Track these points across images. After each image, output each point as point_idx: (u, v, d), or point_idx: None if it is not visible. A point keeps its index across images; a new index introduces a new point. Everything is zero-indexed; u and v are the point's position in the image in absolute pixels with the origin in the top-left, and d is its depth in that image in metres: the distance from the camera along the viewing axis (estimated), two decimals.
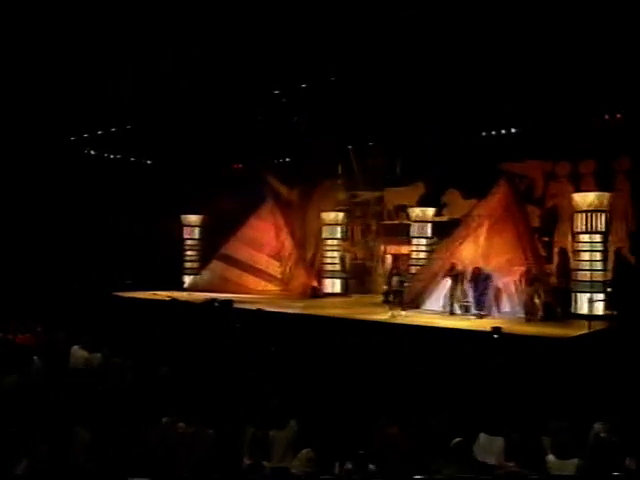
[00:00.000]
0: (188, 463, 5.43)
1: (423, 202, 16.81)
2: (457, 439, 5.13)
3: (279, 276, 18.66)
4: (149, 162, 18.90)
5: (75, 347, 10.07)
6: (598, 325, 11.51)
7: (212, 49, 12.10)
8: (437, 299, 14.15)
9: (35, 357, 9.01)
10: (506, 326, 10.71)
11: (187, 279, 19.53)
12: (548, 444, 5.28)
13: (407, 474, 4.70)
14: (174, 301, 14.37)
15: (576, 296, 12.96)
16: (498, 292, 13.24)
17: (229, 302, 14.01)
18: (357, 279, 18.67)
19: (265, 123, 15.31)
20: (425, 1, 9.72)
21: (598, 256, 13.00)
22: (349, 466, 4.82)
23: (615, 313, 12.21)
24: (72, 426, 5.88)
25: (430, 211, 16.27)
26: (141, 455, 5.41)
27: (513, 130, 14.72)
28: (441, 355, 9.46)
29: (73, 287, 14.71)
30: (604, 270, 13.02)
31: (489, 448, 5.54)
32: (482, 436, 5.64)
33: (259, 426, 5.60)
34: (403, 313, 12.98)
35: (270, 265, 18.80)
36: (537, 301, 12.43)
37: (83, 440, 5.68)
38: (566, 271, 14.28)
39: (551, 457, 5.08)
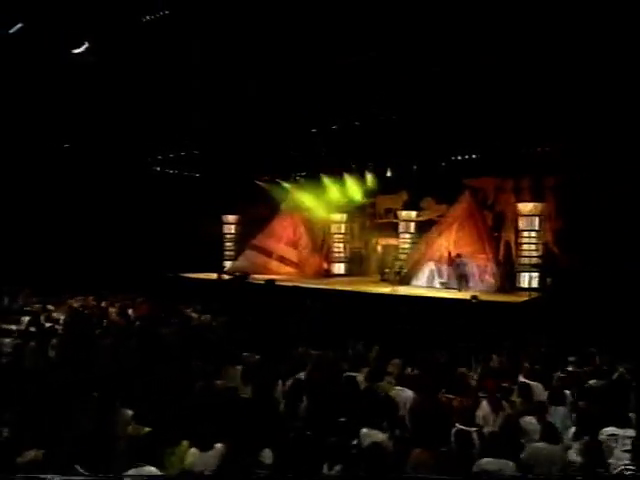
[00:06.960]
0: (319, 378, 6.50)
1: (406, 206, 18.39)
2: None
3: (296, 261, 20.43)
4: (197, 175, 20.27)
5: (187, 310, 12.15)
6: (535, 294, 13.85)
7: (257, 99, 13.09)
8: (421, 278, 16.28)
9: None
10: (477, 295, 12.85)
11: (227, 264, 21.13)
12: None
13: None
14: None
15: (519, 275, 15.26)
16: (467, 272, 15.40)
17: (272, 281, 15.99)
18: (355, 264, 20.23)
19: (292, 147, 16.80)
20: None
21: (534, 247, 15.19)
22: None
23: (548, 283, 14.26)
24: (241, 352, 7.79)
25: (413, 213, 18.16)
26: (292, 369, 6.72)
27: (474, 156, 15.92)
28: (435, 314, 11.96)
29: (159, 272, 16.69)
30: (537, 257, 15.15)
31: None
32: None
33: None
34: (401, 288, 15.22)
35: (289, 252, 20.49)
36: (494, 279, 15.04)
37: (253, 361, 7.56)
38: (509, 257, 16.16)
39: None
